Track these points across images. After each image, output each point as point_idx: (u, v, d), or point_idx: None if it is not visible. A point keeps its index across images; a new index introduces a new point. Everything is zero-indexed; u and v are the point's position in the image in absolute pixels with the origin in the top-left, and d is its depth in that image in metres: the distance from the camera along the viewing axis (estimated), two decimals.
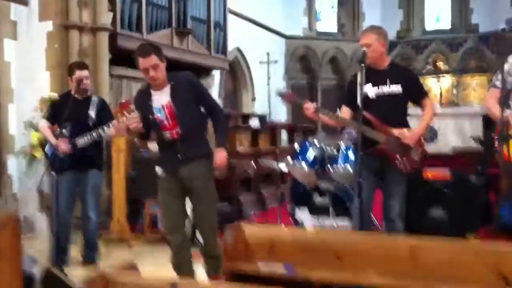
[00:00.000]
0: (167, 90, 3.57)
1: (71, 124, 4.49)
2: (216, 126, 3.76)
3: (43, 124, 4.80)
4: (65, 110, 4.35)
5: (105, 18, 6.76)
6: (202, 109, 3.71)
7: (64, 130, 4.45)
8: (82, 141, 4.47)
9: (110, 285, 1.91)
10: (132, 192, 5.80)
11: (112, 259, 4.88)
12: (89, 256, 4.81)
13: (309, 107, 3.77)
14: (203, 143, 3.69)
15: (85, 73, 4.69)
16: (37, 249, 5.03)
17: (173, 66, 8.22)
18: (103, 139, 4.82)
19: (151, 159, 5.54)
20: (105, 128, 4.40)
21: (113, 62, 6.98)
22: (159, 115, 3.55)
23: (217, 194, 3.78)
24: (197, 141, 3.63)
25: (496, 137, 3.55)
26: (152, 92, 3.59)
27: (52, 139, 4.60)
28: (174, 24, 8.24)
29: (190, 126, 3.58)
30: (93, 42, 6.68)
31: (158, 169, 3.68)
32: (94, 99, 4.77)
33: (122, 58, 7.16)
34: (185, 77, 3.69)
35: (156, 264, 4.66)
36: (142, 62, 3.46)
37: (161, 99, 3.57)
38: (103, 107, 4.78)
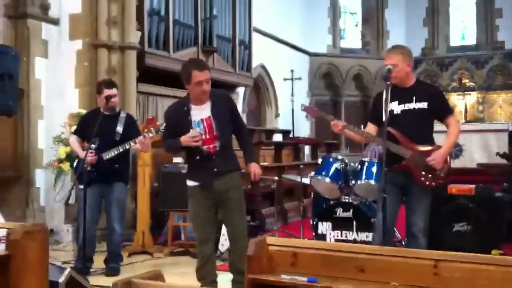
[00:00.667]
0: (207, 105, 3.68)
1: (99, 140, 4.61)
2: (244, 144, 3.92)
3: (73, 139, 4.96)
4: (94, 126, 4.51)
5: (133, 37, 6.92)
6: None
7: (92, 145, 4.58)
8: (108, 154, 4.62)
9: None
10: (156, 205, 5.89)
11: (136, 270, 4.94)
12: (113, 267, 4.88)
13: (338, 124, 3.82)
14: (234, 156, 3.82)
15: (113, 91, 4.83)
16: (62, 259, 5.13)
17: None
18: (130, 154, 4.93)
19: (176, 173, 5.65)
20: (131, 142, 4.55)
21: (140, 79, 7.14)
22: (197, 129, 3.64)
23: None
24: (230, 155, 3.76)
25: None
26: (192, 106, 3.68)
27: (80, 152, 4.74)
28: (200, 42, 8.39)
29: (227, 141, 3.72)
30: (121, 60, 6.83)
31: (190, 182, 3.74)
32: (122, 115, 4.90)
33: (149, 75, 7.32)
34: (224, 94, 3.87)
35: (180, 274, 4.72)
36: (199, 75, 3.55)
37: (200, 113, 3.67)
38: (130, 123, 4.91)
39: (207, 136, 3.64)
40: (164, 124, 3.95)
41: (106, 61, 6.71)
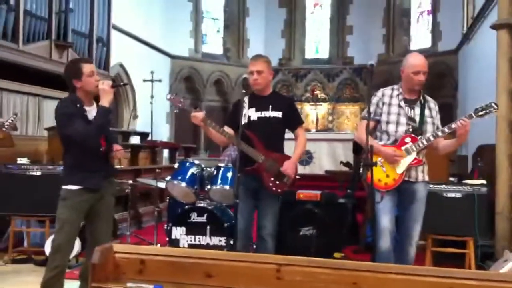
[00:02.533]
0: (95, 107, 3.57)
1: None
2: None
3: None
4: None
5: None
6: None
7: None
8: None
9: None
10: None
11: None
12: None
13: (198, 115, 3.89)
14: (112, 164, 3.84)
15: None
16: None
17: (51, 79, 7.88)
18: None
19: (20, 175, 5.27)
20: None
21: None
22: None
23: None
24: (109, 160, 3.77)
25: (362, 163, 3.82)
26: (85, 107, 3.53)
27: None
28: (53, 36, 7.93)
29: (109, 145, 3.69)
30: None
31: (73, 186, 3.50)
32: None
33: None
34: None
35: (21, 283, 4.39)
36: (89, 66, 3.52)
37: (93, 113, 3.54)
38: None
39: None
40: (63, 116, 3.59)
41: None
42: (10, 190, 5.27)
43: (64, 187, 3.54)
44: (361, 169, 3.89)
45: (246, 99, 3.99)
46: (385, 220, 3.69)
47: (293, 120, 4.16)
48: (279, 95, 4.44)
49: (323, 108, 16.15)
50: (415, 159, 3.74)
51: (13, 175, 5.31)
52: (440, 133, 3.73)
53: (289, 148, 4.10)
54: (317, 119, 15.88)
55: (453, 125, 3.66)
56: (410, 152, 3.73)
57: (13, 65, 7.03)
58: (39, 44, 7.65)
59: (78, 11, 8.52)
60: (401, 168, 3.74)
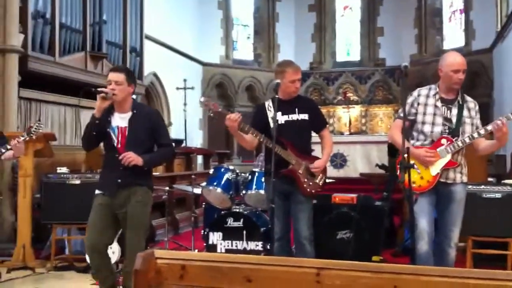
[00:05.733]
0: (128, 115, 3.71)
1: None
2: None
3: None
4: None
5: (16, 39, 6.52)
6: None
7: None
8: None
9: None
10: (38, 218, 5.56)
11: (15, 286, 4.63)
12: None
13: (233, 116, 3.79)
14: (144, 173, 3.74)
15: None
16: None
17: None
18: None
19: (60, 183, 5.41)
20: (2, 149, 4.23)
21: (23, 84, 6.74)
22: (113, 135, 3.67)
23: (148, 225, 3.88)
24: (140, 170, 3.67)
25: (398, 165, 3.75)
26: (115, 112, 3.71)
27: None
28: (88, 47, 8.11)
29: (136, 153, 3.62)
30: (2, 63, 6.40)
31: (97, 191, 3.73)
32: None
33: (32, 80, 6.94)
34: (147, 110, 3.92)
35: None
36: (109, 75, 3.70)
37: (119, 121, 3.70)
38: None
39: (119, 146, 3.66)
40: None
41: None
42: (50, 199, 5.41)
43: None
44: (398, 171, 3.83)
45: (270, 103, 4.05)
46: (423, 222, 3.61)
47: (319, 122, 4.25)
48: (303, 98, 4.51)
49: (356, 110, 16.04)
50: (450, 161, 3.66)
51: (53, 184, 5.45)
52: (475, 135, 3.63)
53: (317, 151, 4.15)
54: (350, 122, 15.78)
55: (489, 127, 3.57)
56: (444, 154, 3.66)
57: (51, 77, 7.22)
58: (75, 56, 7.82)
59: (111, 22, 8.69)
60: (435, 170, 3.66)
